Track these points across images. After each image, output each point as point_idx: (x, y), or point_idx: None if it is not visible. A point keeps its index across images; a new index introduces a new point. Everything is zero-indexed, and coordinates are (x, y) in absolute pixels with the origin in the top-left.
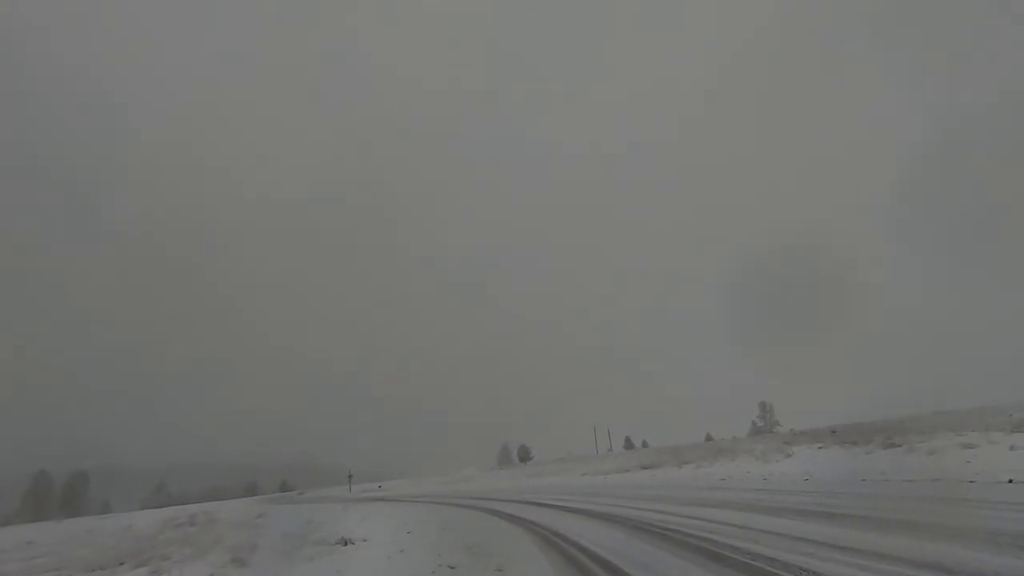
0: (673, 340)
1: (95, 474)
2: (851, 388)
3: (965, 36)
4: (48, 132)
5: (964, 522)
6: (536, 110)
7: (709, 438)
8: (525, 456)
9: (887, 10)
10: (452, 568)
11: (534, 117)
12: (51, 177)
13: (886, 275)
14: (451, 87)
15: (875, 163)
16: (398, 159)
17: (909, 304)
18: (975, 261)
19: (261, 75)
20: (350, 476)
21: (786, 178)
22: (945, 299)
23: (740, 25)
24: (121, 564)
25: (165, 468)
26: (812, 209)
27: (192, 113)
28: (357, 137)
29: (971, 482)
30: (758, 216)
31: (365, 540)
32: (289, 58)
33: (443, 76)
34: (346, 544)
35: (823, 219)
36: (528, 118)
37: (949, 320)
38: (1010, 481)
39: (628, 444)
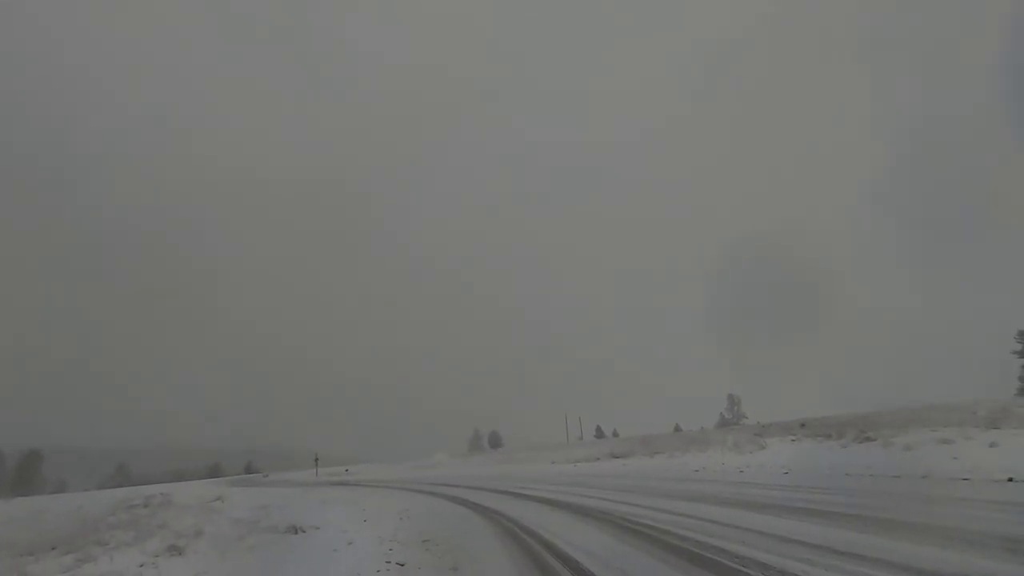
0: (643, 334)
1: (55, 454)
2: (815, 384)
3: (948, 43)
4: (39, 121)
5: (980, 526)
6: (531, 108)
7: (678, 428)
8: (496, 443)
9: (871, 14)
10: (401, 566)
11: (526, 114)
12: (39, 164)
13: (856, 275)
14: (447, 83)
15: (849, 166)
16: (381, 153)
17: (876, 303)
18: (945, 261)
19: (252, 66)
20: (316, 460)
21: (765, 178)
22: (911, 298)
23: (729, 25)
24: (53, 549)
25: (129, 449)
26: (788, 209)
27: (182, 100)
28: (344, 129)
29: (964, 480)
30: (735, 215)
31: (317, 528)
32: (284, 49)
33: (440, 73)
34: (296, 532)
35: (797, 219)
36: (518, 115)
37: (913, 319)
38: (1010, 480)
39: (599, 433)
